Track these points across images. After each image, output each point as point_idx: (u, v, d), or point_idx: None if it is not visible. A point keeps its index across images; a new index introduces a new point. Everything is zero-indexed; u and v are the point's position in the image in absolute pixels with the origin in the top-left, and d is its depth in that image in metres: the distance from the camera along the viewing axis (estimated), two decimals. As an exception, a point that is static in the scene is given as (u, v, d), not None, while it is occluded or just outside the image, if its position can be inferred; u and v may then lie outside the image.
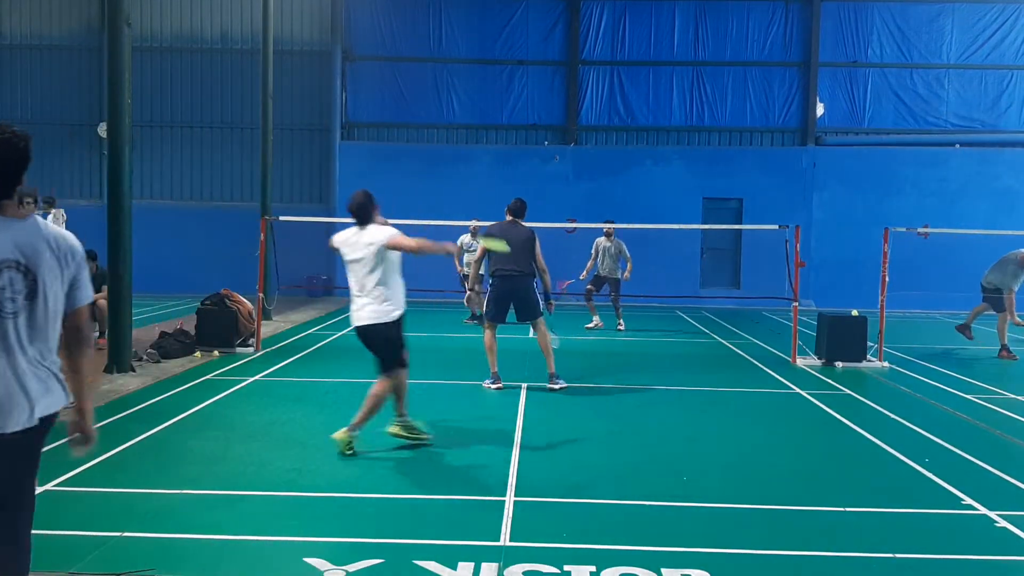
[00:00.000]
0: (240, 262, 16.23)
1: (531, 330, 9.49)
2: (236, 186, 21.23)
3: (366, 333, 6.37)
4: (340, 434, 6.32)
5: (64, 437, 3.31)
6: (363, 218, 6.42)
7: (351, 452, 6.28)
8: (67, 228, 12.91)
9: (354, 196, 6.50)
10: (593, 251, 15.05)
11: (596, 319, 15.37)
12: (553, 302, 9.37)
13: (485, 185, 19.86)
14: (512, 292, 8.92)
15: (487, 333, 9.10)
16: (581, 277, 15.40)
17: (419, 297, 17.62)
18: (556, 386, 8.96)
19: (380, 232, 6.34)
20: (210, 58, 21.12)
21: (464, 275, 14.71)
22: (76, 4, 21.11)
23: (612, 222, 14.85)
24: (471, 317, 15.45)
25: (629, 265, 14.88)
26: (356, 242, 6.37)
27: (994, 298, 12.34)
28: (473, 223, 14.00)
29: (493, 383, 9.06)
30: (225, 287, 11.85)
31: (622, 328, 15.03)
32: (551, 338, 9.08)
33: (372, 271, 6.26)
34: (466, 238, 14.78)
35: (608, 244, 14.86)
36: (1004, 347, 12.25)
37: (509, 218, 9.16)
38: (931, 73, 20.57)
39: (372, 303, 6.28)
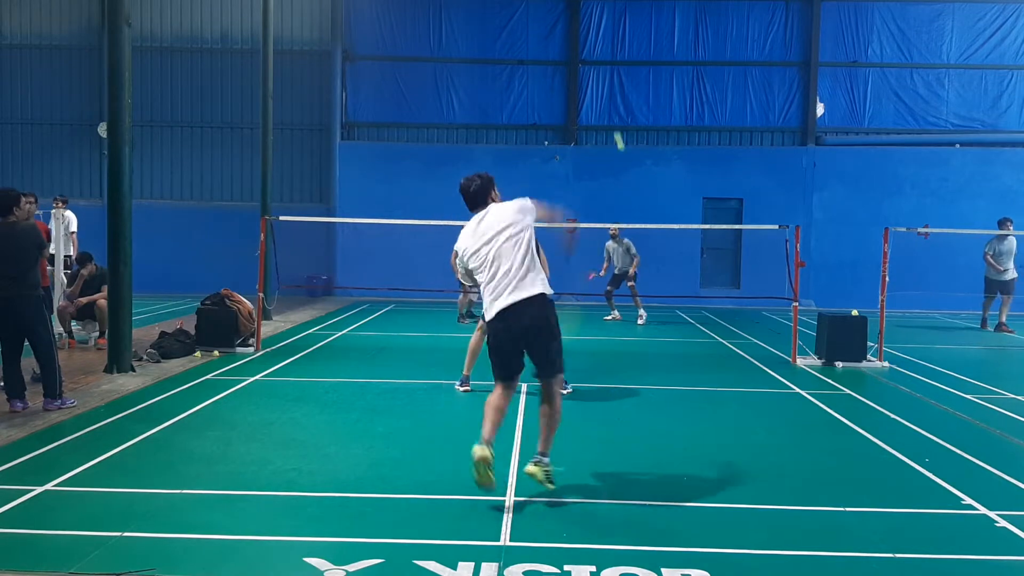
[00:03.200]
0: (240, 262, 16.24)
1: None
2: (236, 186, 21.23)
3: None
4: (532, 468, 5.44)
5: (59, 441, 3.31)
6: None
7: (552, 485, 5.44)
8: (68, 230, 12.91)
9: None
10: (605, 254, 15.79)
11: (615, 312, 16.35)
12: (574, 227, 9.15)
13: (485, 185, 19.80)
14: None
15: (477, 333, 8.78)
16: (602, 274, 15.80)
17: (417, 297, 17.66)
18: (564, 391, 8.72)
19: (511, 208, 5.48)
20: (210, 58, 21.12)
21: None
22: (76, 4, 21.11)
23: (616, 224, 15.44)
24: (461, 316, 15.65)
25: (635, 261, 15.60)
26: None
27: (1005, 284, 15.24)
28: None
29: (461, 385, 8.82)
30: (225, 287, 11.85)
31: (642, 322, 15.72)
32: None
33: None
34: None
35: (615, 245, 15.81)
36: (1003, 324, 15.21)
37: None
38: (931, 73, 20.57)
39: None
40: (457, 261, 5.68)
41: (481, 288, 5.45)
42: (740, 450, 6.83)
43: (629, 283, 15.81)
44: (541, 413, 5.52)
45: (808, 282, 18.89)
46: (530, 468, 5.39)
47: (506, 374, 5.40)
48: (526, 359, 5.49)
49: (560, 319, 5.43)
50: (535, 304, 5.26)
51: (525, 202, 5.50)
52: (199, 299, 11.85)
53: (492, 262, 5.32)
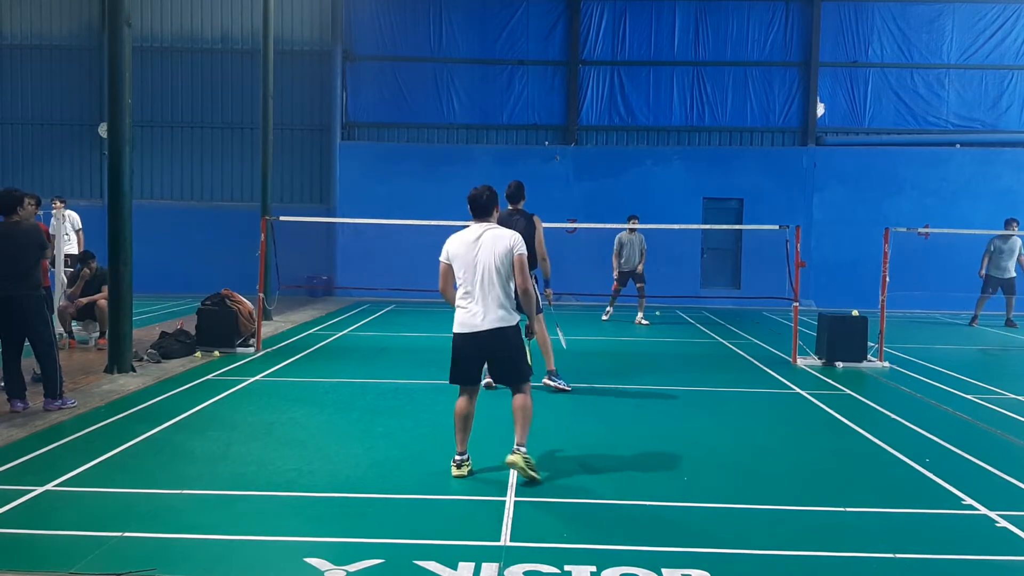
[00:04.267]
0: (240, 262, 16.24)
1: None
2: (236, 186, 21.23)
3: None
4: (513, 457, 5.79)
5: (59, 441, 3.32)
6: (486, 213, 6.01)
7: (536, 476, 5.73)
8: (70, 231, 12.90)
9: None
10: (616, 247, 15.60)
11: (610, 309, 16.37)
12: (551, 291, 9.25)
13: (485, 185, 19.82)
14: None
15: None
16: (615, 276, 15.97)
17: (420, 297, 17.65)
18: (552, 383, 8.83)
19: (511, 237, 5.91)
20: (210, 58, 21.12)
21: None
22: (76, 4, 21.11)
23: (636, 218, 15.62)
24: None
25: (642, 259, 15.75)
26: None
27: (1007, 282, 15.68)
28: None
29: (556, 382, 8.88)
30: (225, 287, 11.85)
31: (640, 323, 15.73)
32: (559, 337, 8.95)
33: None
34: None
35: (631, 238, 15.79)
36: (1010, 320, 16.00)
37: (509, 205, 8.78)
38: (931, 73, 20.56)
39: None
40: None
41: (458, 291, 5.89)
42: (740, 450, 6.83)
43: (639, 284, 15.86)
44: (514, 409, 5.88)
45: (808, 282, 18.89)
46: (511, 458, 5.72)
47: (467, 380, 5.91)
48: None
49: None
50: (508, 332, 5.81)
51: (521, 244, 5.86)
52: (199, 299, 11.85)
53: (478, 278, 5.78)
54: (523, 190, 8.88)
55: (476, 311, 5.76)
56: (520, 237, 5.90)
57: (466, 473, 5.82)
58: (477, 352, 5.84)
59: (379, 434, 7.10)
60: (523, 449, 5.78)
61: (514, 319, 5.85)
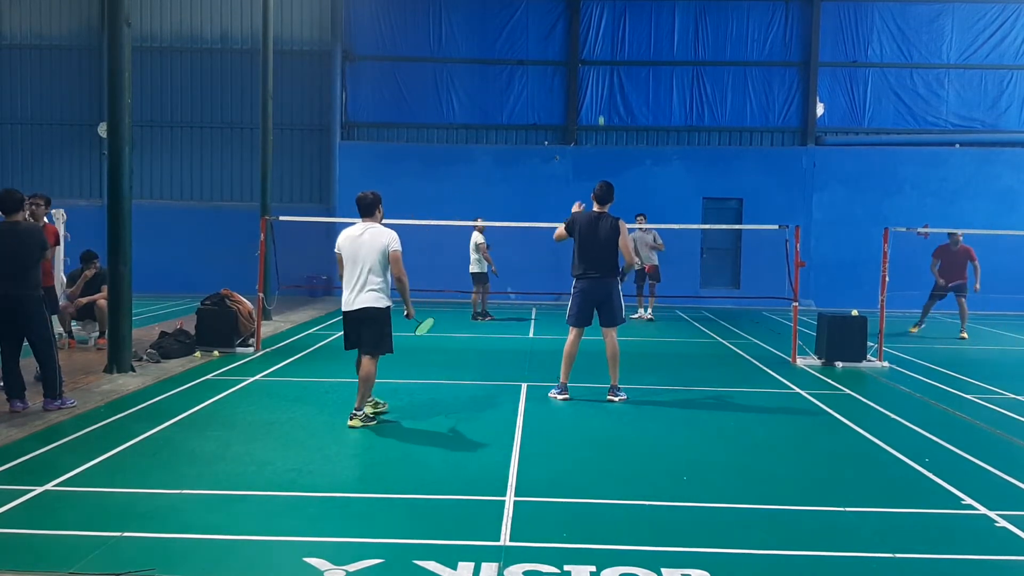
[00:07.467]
0: (240, 262, 16.23)
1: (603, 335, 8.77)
2: (236, 186, 21.23)
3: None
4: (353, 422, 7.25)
5: (59, 441, 3.31)
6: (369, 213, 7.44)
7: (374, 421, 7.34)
8: (66, 228, 12.90)
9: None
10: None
11: (641, 311, 16.40)
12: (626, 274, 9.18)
13: (485, 185, 19.87)
14: (595, 296, 8.54)
15: (570, 338, 8.67)
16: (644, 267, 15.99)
17: (424, 297, 17.63)
18: (616, 399, 8.59)
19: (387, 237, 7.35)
20: (210, 58, 21.12)
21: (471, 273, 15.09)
22: (76, 4, 21.11)
23: (644, 216, 15.66)
24: (475, 315, 15.60)
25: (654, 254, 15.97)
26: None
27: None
28: (479, 222, 14.31)
29: (560, 393, 8.65)
30: (225, 287, 11.85)
31: (647, 318, 16.06)
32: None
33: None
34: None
35: (642, 234, 15.74)
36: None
37: (596, 207, 8.62)
38: (931, 73, 20.56)
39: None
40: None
41: (344, 277, 7.27)
42: (740, 450, 6.84)
43: (653, 282, 16.02)
44: (363, 379, 7.28)
45: (808, 282, 18.89)
46: (352, 423, 7.18)
47: (353, 346, 7.51)
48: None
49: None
50: (374, 311, 7.21)
51: (396, 243, 7.25)
52: (199, 299, 11.85)
53: (359, 267, 7.18)
54: (612, 192, 8.63)
55: (353, 293, 7.18)
56: (395, 236, 7.26)
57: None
58: (353, 325, 7.30)
59: (379, 434, 7.10)
60: (360, 412, 7.27)
61: (384, 302, 7.23)
